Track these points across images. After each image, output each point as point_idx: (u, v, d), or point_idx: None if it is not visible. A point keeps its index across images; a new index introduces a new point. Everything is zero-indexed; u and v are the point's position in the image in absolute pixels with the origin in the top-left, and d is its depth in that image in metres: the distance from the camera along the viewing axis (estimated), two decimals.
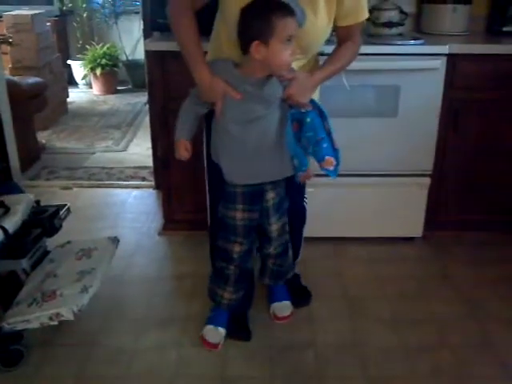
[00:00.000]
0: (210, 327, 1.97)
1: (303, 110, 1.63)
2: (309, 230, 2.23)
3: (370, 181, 2.50)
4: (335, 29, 1.74)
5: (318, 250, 2.54)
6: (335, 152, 1.64)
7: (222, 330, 1.97)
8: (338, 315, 2.13)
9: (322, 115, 1.65)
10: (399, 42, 2.37)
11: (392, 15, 2.51)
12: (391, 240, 2.63)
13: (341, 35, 1.76)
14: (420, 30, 2.76)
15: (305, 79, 1.65)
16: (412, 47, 2.33)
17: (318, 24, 1.64)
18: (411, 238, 2.64)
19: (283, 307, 2.10)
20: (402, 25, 2.53)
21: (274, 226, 1.88)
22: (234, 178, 1.77)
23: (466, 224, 2.66)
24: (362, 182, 2.50)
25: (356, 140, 2.42)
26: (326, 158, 1.61)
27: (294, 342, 1.97)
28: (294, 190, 1.94)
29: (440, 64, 2.31)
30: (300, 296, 2.18)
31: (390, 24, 2.50)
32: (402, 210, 2.56)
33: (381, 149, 2.45)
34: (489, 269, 2.44)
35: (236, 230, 1.84)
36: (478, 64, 2.37)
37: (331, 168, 1.63)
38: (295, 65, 1.68)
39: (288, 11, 1.53)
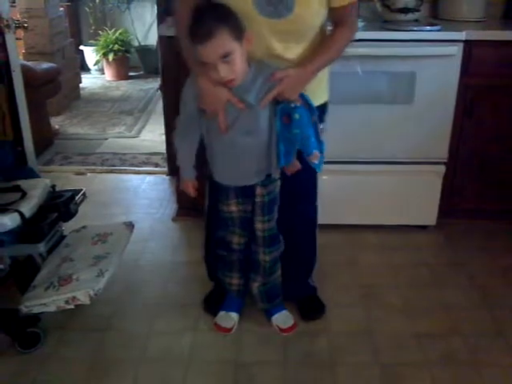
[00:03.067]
0: (221, 313, 2.00)
1: (292, 105, 1.61)
2: (323, 218, 2.21)
3: (385, 168, 2.49)
4: (329, 11, 1.66)
5: (331, 238, 2.54)
6: (320, 144, 1.66)
7: (234, 315, 1.99)
8: (352, 302, 2.14)
9: (309, 108, 1.65)
10: (415, 28, 2.34)
11: (408, 1, 2.49)
12: (405, 228, 2.63)
13: (334, 18, 1.68)
14: (436, 15, 2.73)
15: (297, 75, 1.61)
16: (428, 33, 2.31)
17: (310, 8, 1.57)
18: (425, 226, 2.64)
19: (285, 318, 1.99)
20: (418, 10, 2.50)
21: (259, 225, 1.85)
22: (224, 181, 1.79)
23: (480, 212, 2.64)
24: (376, 170, 2.49)
25: (370, 127, 2.41)
26: (314, 152, 1.64)
27: (307, 328, 1.98)
28: (301, 195, 1.95)
29: (456, 50, 2.28)
30: (313, 308, 2.07)
31: (405, 10, 2.47)
32: (416, 197, 2.55)
33: (395, 136, 2.44)
34: (502, 258, 2.43)
35: (234, 222, 1.87)
36: (495, 50, 2.34)
37: (316, 162, 1.65)
38: (290, 53, 1.64)
39: (200, 38, 1.47)
